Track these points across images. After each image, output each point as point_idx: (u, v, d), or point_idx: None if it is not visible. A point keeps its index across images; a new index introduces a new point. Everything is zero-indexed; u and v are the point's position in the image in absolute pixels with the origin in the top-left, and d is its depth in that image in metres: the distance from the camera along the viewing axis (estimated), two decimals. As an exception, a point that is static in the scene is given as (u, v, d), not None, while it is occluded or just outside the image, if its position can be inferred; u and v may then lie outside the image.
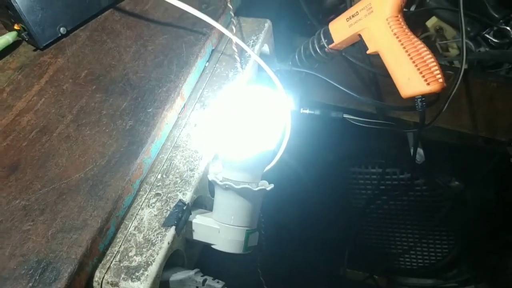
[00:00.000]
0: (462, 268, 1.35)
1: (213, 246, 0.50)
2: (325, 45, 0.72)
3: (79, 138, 0.54)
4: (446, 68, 0.87)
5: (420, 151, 1.06)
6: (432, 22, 1.05)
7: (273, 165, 0.55)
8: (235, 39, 0.60)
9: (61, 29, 0.67)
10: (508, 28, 1.02)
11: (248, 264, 0.70)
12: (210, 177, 0.50)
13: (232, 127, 0.49)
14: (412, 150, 1.05)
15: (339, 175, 1.24)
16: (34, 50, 0.67)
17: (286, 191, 0.56)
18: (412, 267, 1.37)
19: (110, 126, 0.54)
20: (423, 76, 0.62)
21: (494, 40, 1.02)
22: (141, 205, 0.50)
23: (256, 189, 0.48)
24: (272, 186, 0.50)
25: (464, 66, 0.79)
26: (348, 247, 1.29)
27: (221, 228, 0.49)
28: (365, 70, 0.87)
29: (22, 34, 0.66)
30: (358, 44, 0.72)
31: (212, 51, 0.65)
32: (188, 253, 0.52)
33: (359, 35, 0.68)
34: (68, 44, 0.66)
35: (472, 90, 0.87)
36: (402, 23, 0.65)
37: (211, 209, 0.53)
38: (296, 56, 0.77)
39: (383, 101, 0.91)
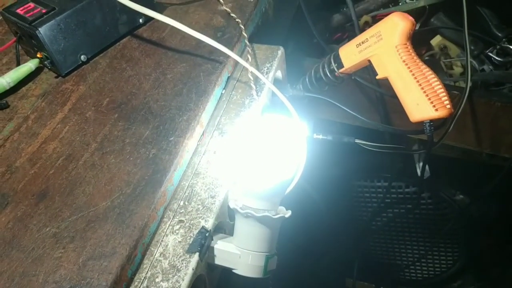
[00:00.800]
0: (466, 279, 1.37)
1: (234, 271, 0.52)
2: (335, 69, 0.75)
3: (104, 166, 0.56)
4: (451, 88, 0.89)
5: (426, 167, 1.09)
6: (436, 40, 1.08)
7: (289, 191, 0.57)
8: (251, 69, 0.63)
9: (82, 56, 0.69)
10: (511, 46, 1.04)
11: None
12: (231, 204, 0.52)
13: (251, 157, 0.51)
14: (418, 168, 1.08)
15: (346, 188, 1.26)
16: (56, 77, 0.69)
17: (295, 205, 0.58)
18: (417, 278, 1.39)
19: (134, 155, 0.57)
20: (432, 102, 0.64)
21: (497, 58, 1.05)
22: (166, 231, 0.52)
23: (276, 217, 0.50)
24: (289, 213, 0.53)
25: (469, 85, 0.82)
26: (357, 260, 1.31)
27: (242, 254, 0.51)
28: (373, 90, 0.89)
29: (45, 62, 0.68)
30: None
31: (228, 78, 0.67)
32: (209, 276, 0.54)
33: (369, 61, 0.70)
34: (89, 71, 0.69)
35: (477, 109, 0.89)
36: (411, 50, 0.67)
37: (230, 233, 0.56)
38: (307, 79, 0.80)
39: (390, 119, 0.94)
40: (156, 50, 0.70)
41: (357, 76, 0.87)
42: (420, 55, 1.09)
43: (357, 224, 1.31)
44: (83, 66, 0.70)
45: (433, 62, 1.07)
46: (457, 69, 1.06)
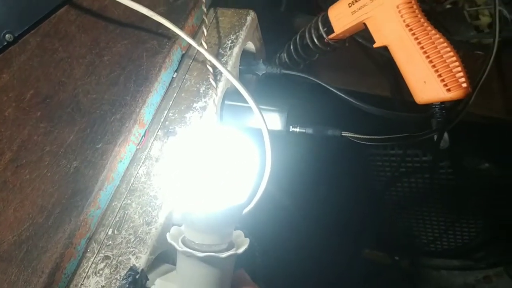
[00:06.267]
0: (492, 250, 1.27)
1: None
2: (324, 35, 0.60)
3: (16, 184, 0.45)
4: (475, 47, 0.73)
5: (445, 135, 0.95)
6: (459, -15, 0.90)
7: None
8: (207, 56, 0.48)
9: (7, 36, 0.56)
10: (551, -12, 0.86)
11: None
12: (169, 238, 0.40)
13: (194, 177, 0.39)
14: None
15: (356, 155, 1.14)
16: (-23, 63, 0.57)
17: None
18: (436, 250, 1.29)
19: (52, 169, 0.45)
20: (443, 80, 0.50)
21: (533, 5, 0.87)
22: (87, 271, 0.41)
23: (224, 255, 0.38)
24: (245, 245, 0.40)
25: (497, 40, 0.66)
26: (368, 230, 1.23)
27: (186, 300, 0.40)
28: (377, 52, 0.74)
29: (-41, 45, 0.56)
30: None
31: (183, 56, 0.54)
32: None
33: (364, 24, 0.56)
34: (16, 53, 0.56)
35: (506, 70, 0.74)
36: (417, 11, 0.53)
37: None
38: (292, 47, 0.66)
39: (401, 88, 0.78)
40: (95, 23, 0.56)
41: (358, 36, 0.72)
42: (440, 3, 0.92)
43: (369, 194, 1.20)
44: (9, 48, 0.57)
45: (455, 12, 0.90)
46: (484, 19, 0.89)
